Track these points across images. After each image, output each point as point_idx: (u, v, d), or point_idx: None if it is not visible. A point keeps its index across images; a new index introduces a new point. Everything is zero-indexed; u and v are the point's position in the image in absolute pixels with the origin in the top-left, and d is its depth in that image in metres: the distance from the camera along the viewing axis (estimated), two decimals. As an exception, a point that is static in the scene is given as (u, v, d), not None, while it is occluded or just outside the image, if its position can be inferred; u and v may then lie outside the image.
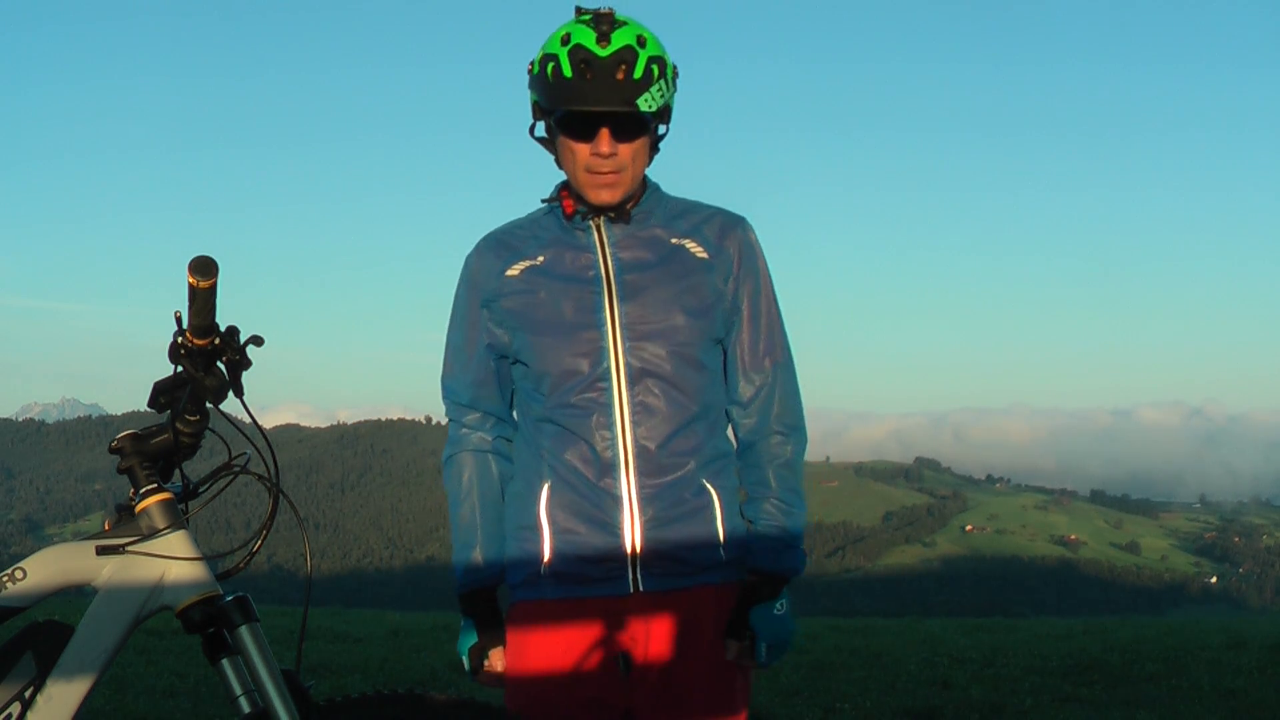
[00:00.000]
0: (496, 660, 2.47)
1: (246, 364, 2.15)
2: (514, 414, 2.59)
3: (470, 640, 2.48)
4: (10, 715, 2.08)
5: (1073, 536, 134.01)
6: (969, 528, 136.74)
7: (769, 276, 2.53)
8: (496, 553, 2.49)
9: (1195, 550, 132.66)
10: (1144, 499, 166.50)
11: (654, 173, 2.52)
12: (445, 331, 2.56)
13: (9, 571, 2.13)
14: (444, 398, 2.58)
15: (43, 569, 2.13)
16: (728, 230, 2.49)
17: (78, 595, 2.36)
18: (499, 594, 2.54)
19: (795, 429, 2.52)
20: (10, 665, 2.10)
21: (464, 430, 2.54)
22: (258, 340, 2.14)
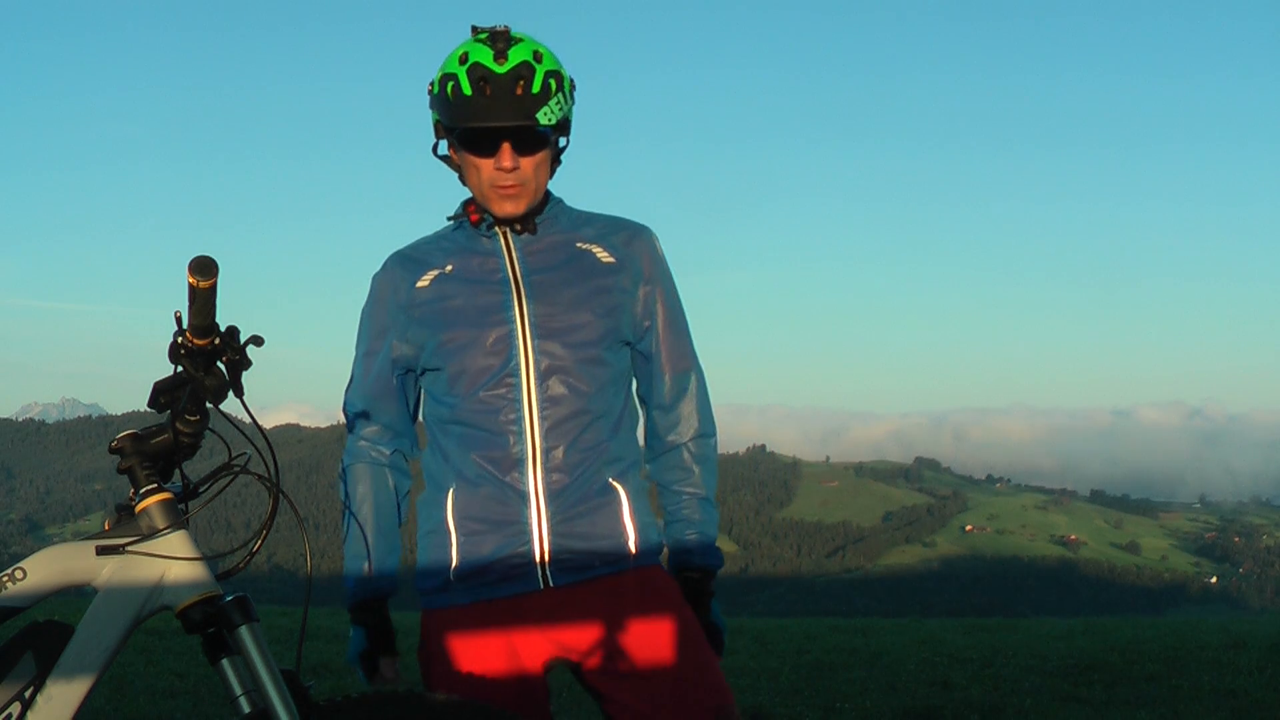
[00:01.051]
0: (386, 669, 2.50)
1: (247, 364, 2.14)
2: (414, 428, 2.61)
3: (360, 647, 2.50)
4: (10, 715, 2.07)
5: (1073, 536, 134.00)
6: (969, 528, 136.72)
7: (674, 283, 2.60)
8: (389, 564, 2.53)
9: (1195, 550, 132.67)
10: (1144, 499, 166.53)
11: (565, 187, 2.57)
12: None
13: (9, 571, 2.12)
14: (344, 409, 2.60)
15: (43, 569, 2.12)
16: (634, 238, 2.55)
17: (78, 595, 2.36)
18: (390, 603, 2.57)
19: (713, 430, 2.62)
20: (10, 665, 2.10)
21: (362, 443, 2.56)
22: (258, 340, 2.13)
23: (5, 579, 2.11)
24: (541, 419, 2.41)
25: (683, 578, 2.53)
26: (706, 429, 2.60)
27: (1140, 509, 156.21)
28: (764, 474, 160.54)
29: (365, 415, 2.56)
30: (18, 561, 2.14)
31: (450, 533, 2.44)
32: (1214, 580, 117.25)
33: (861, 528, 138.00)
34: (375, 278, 2.57)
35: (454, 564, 2.43)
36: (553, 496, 2.40)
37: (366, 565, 2.50)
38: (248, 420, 2.24)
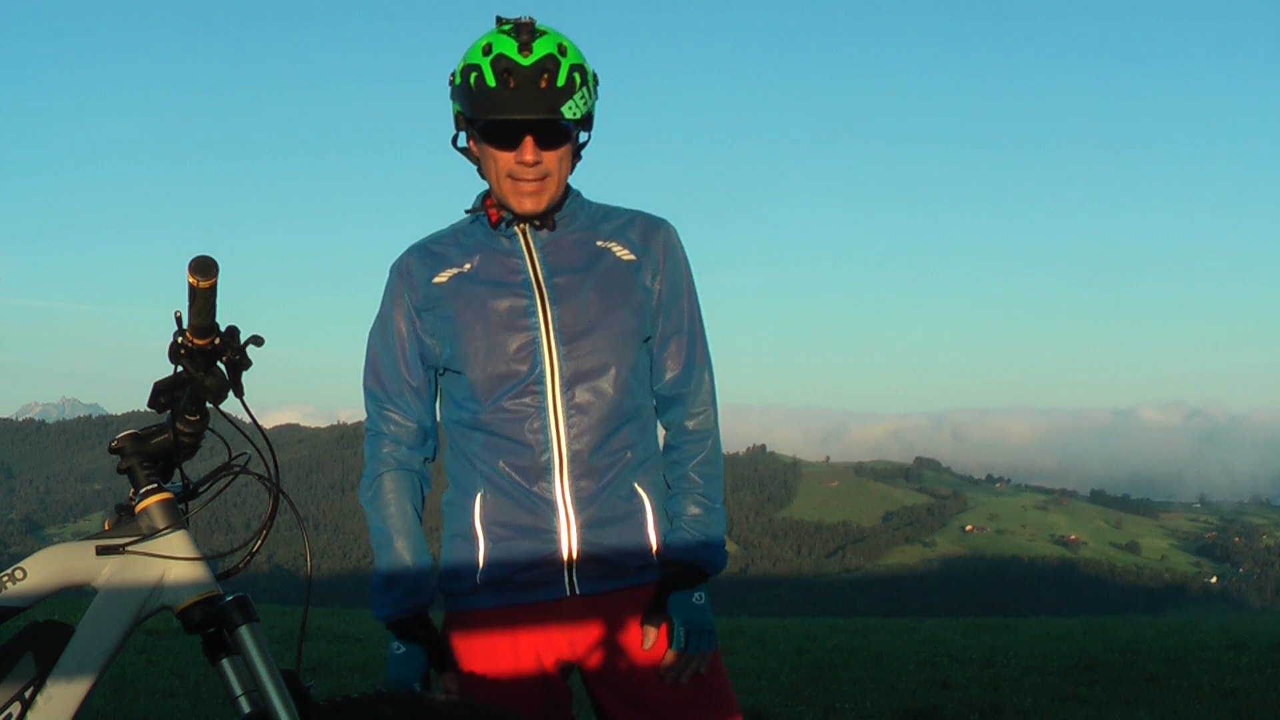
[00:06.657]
0: (450, 683, 2.41)
1: (247, 364, 2.14)
2: (437, 429, 2.55)
3: (421, 667, 2.39)
4: (10, 715, 2.08)
5: (1073, 536, 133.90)
6: (969, 528, 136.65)
7: (692, 279, 2.55)
8: (428, 577, 2.45)
9: (1195, 550, 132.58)
10: (1144, 499, 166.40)
11: (584, 181, 2.54)
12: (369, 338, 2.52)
13: (9, 571, 2.12)
14: (371, 407, 2.51)
15: (43, 569, 2.13)
16: (651, 232, 2.51)
17: (78, 595, 2.36)
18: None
19: (714, 428, 2.53)
20: (10, 665, 2.10)
21: (388, 447, 2.47)
22: (258, 340, 2.13)
23: (5, 579, 2.11)
24: (568, 427, 2.38)
25: (666, 570, 2.43)
26: (704, 426, 2.52)
27: (1140, 509, 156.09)
28: (764, 474, 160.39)
29: (400, 414, 2.48)
30: (18, 561, 2.14)
31: (478, 537, 2.41)
32: (1214, 580, 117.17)
33: (861, 528, 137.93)
34: (393, 269, 2.52)
35: (481, 567, 2.40)
36: (581, 505, 2.38)
37: (410, 580, 2.40)
38: (248, 420, 2.25)
